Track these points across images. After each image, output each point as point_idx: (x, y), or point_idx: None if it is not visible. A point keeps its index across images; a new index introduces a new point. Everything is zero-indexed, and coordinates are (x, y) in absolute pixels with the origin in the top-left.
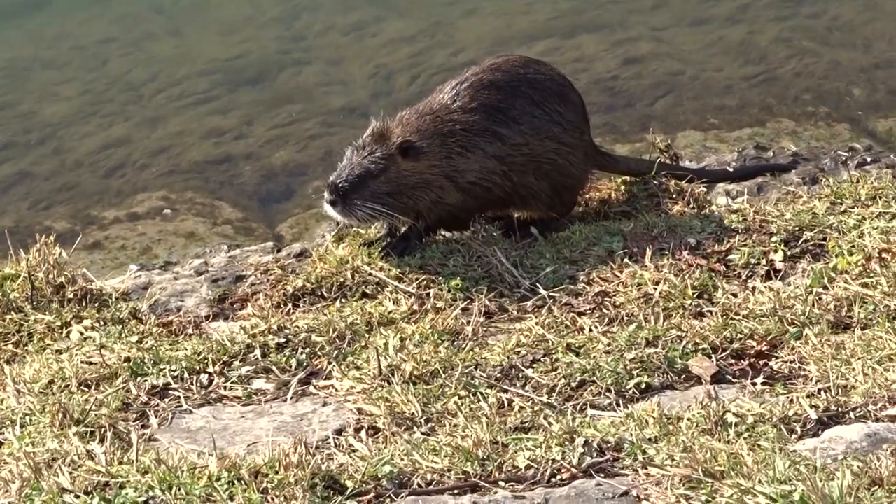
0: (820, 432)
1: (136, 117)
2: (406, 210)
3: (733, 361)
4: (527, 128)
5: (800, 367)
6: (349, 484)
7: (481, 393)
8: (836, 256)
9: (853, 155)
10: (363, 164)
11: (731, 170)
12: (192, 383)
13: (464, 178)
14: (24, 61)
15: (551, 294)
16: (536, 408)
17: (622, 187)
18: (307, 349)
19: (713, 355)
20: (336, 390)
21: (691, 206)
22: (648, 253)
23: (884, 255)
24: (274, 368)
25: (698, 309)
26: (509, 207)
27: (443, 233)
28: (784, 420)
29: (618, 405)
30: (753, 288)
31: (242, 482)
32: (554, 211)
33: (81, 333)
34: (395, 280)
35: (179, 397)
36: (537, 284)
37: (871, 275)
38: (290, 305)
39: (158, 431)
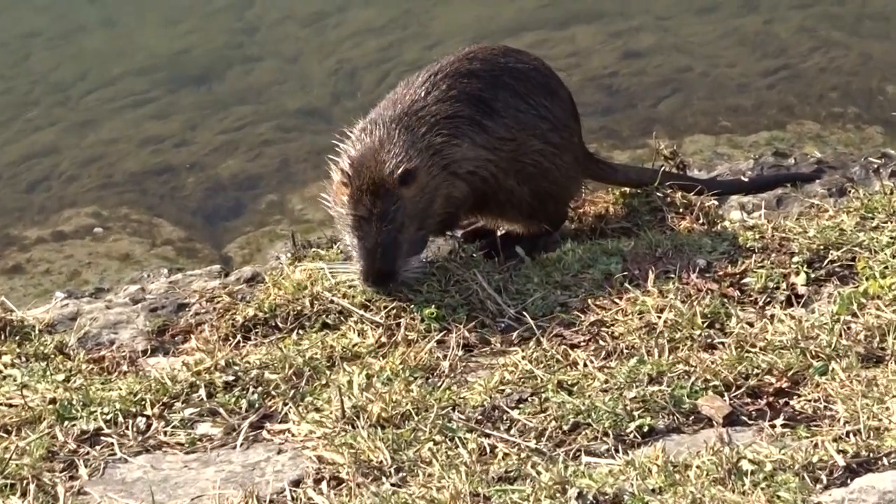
0: (849, 481)
1: (62, 122)
2: (440, 227)
3: (749, 400)
4: (511, 122)
5: (825, 407)
6: None
7: (460, 438)
8: (867, 279)
9: (886, 162)
10: (386, 233)
11: (745, 180)
12: (127, 428)
13: (461, 167)
14: None
15: (540, 324)
16: (523, 455)
17: (621, 200)
18: (259, 388)
19: (726, 393)
20: (293, 435)
21: (700, 221)
22: (651, 276)
23: None
24: (221, 410)
25: (709, 340)
26: (481, 214)
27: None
28: (807, 467)
29: (617, 451)
30: (772, 316)
31: None
32: (535, 223)
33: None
34: (360, 308)
35: (113, 444)
36: (524, 313)
37: None
38: (239, 338)
39: (89, 483)
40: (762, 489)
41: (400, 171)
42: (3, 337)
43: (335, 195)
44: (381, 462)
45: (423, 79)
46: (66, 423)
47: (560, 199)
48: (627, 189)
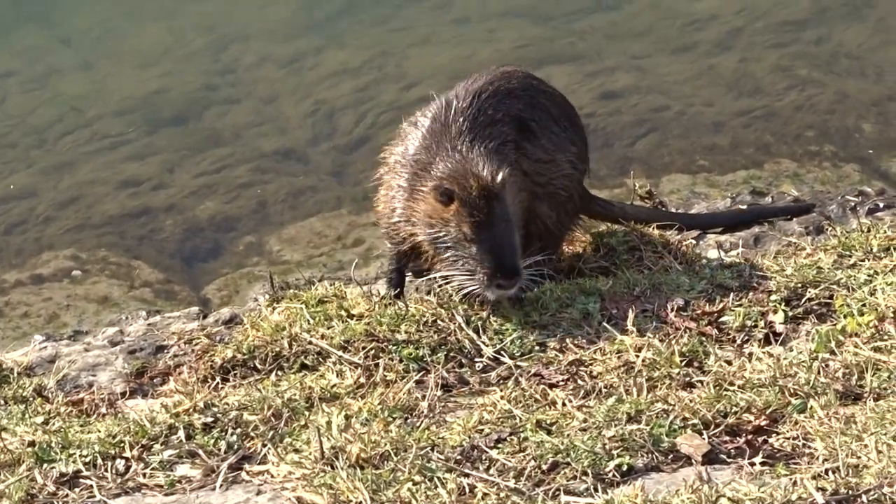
0: None
1: (40, 164)
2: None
3: (728, 438)
4: (547, 143)
5: (804, 445)
6: None
7: (439, 478)
8: (845, 317)
9: (863, 200)
10: (506, 231)
11: (742, 212)
12: (106, 470)
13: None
14: None
15: (518, 363)
16: (502, 494)
17: (598, 240)
18: (238, 429)
19: (705, 432)
20: (272, 476)
21: (678, 260)
22: (630, 315)
23: None
24: (200, 452)
25: (687, 379)
26: None
27: (392, 293)
28: None
29: (596, 490)
30: (750, 354)
31: None
32: (546, 252)
33: None
34: (338, 349)
35: (92, 486)
36: (502, 352)
37: (885, 337)
38: (218, 379)
39: None
40: None
41: (500, 174)
42: None
43: (431, 217)
44: (361, 502)
45: (467, 101)
46: (45, 465)
47: (568, 232)
48: (605, 227)
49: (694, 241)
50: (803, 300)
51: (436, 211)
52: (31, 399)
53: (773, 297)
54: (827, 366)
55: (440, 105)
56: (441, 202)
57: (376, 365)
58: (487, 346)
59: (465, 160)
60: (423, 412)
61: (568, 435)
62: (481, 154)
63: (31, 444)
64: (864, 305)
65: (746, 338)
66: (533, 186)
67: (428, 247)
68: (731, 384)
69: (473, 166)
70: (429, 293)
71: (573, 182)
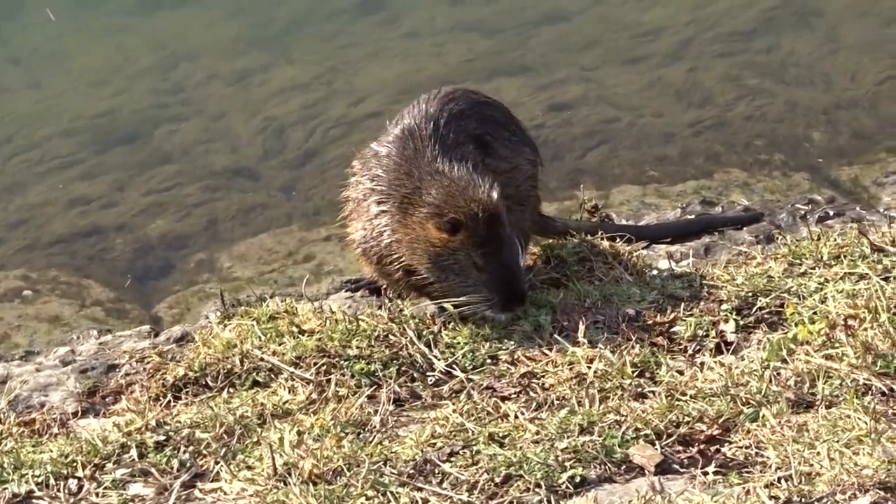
0: None
1: None
2: None
3: (680, 448)
4: (504, 151)
5: (757, 453)
6: None
7: (392, 492)
8: (796, 325)
9: (813, 208)
10: (513, 255)
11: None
12: (58, 490)
13: None
14: None
15: (470, 377)
16: None
17: (550, 251)
18: (191, 447)
19: (657, 442)
20: (225, 494)
21: (629, 271)
22: (581, 327)
23: (850, 321)
24: (153, 470)
25: (639, 389)
26: None
27: (344, 310)
28: None
29: (549, 502)
30: (702, 364)
31: None
32: None
33: None
34: (290, 365)
35: None
36: (454, 366)
37: (836, 345)
38: (170, 397)
39: None
40: None
41: (495, 193)
42: None
43: (435, 245)
44: None
45: (429, 128)
46: None
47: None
48: (553, 240)
49: (644, 252)
50: (754, 309)
51: (440, 239)
52: None
53: (724, 307)
54: (778, 374)
55: (403, 133)
56: (447, 231)
57: (328, 380)
58: (439, 359)
59: (456, 184)
60: (375, 427)
61: (521, 447)
62: (469, 175)
63: None
64: (815, 313)
65: (698, 347)
66: (504, 199)
67: (427, 272)
68: (683, 394)
69: (469, 190)
70: (380, 308)
71: (535, 180)
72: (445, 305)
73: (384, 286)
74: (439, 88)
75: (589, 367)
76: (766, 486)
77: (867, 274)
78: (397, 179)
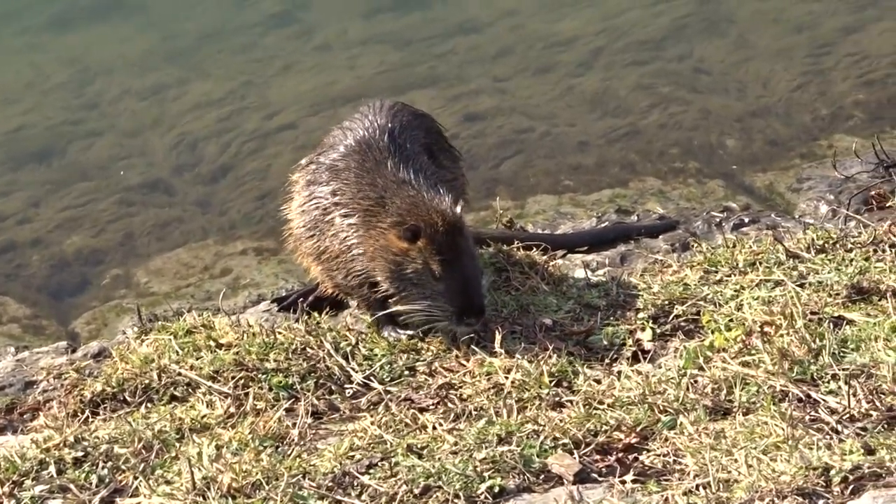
0: None
1: None
2: None
3: (599, 457)
4: (448, 161)
5: (675, 461)
6: None
7: None
8: (713, 332)
9: (728, 216)
10: (472, 268)
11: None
12: None
13: None
14: None
15: (388, 389)
16: None
17: None
18: (109, 463)
19: (575, 451)
20: None
21: (545, 281)
22: (498, 337)
23: (766, 328)
24: (72, 486)
25: (557, 399)
26: None
27: (261, 323)
28: None
29: None
30: (619, 372)
31: None
32: None
33: None
34: (208, 379)
35: None
36: (372, 378)
37: (753, 352)
38: (88, 413)
39: None
40: None
41: (458, 206)
42: None
43: (395, 254)
44: None
45: (384, 139)
46: None
47: None
48: None
49: (561, 262)
50: (671, 317)
51: (400, 248)
52: None
53: (641, 315)
54: (696, 382)
55: (359, 145)
56: (407, 239)
57: (246, 394)
58: (357, 372)
59: (421, 193)
60: (293, 440)
61: (439, 458)
62: (432, 186)
63: None
64: (731, 320)
65: (615, 356)
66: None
67: (387, 283)
68: (601, 403)
69: (432, 200)
70: (297, 321)
71: (465, 191)
72: (404, 316)
73: (329, 299)
74: (380, 101)
75: (506, 378)
76: (685, 494)
77: (783, 280)
78: (361, 191)
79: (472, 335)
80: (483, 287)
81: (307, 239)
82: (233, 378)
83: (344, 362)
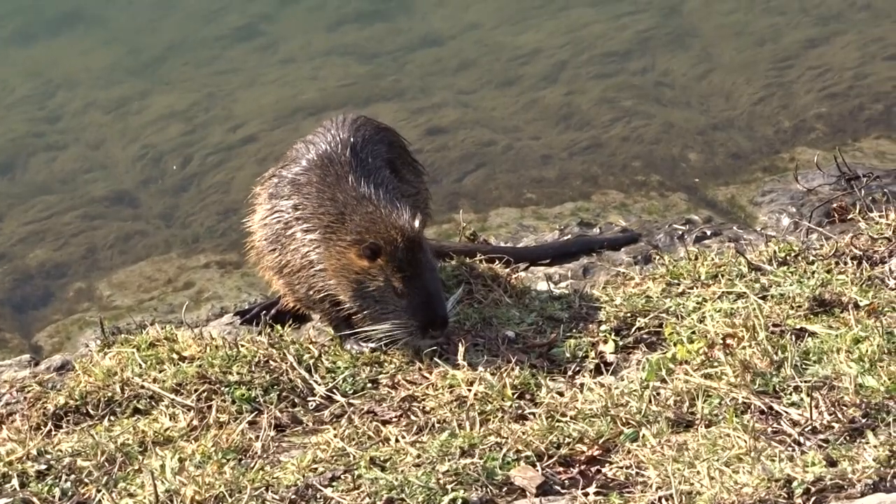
0: None
1: None
2: None
3: (561, 469)
4: (410, 175)
5: (637, 473)
6: None
7: None
8: (675, 345)
9: (691, 229)
10: (433, 280)
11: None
12: None
13: None
14: None
15: (351, 401)
16: None
17: None
18: (72, 476)
19: (538, 463)
20: None
21: (508, 293)
22: (461, 349)
23: (728, 340)
24: (35, 500)
25: (519, 411)
26: None
27: (224, 336)
28: None
29: None
30: (582, 385)
31: None
32: None
33: None
34: (171, 392)
35: None
36: (334, 391)
37: (715, 364)
38: (51, 426)
39: None
40: None
41: (417, 221)
42: None
43: (357, 272)
44: None
45: (346, 153)
46: None
47: None
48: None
49: (523, 275)
50: (633, 329)
51: (361, 267)
52: None
53: (603, 328)
54: (658, 394)
55: (321, 159)
56: (367, 258)
57: (209, 407)
58: (320, 384)
59: (379, 210)
60: (256, 453)
61: (402, 471)
62: (391, 202)
63: None
64: (693, 333)
65: (577, 368)
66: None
67: (350, 301)
68: (564, 415)
69: (390, 216)
70: (259, 333)
71: (428, 205)
72: (368, 333)
73: (291, 312)
74: (343, 115)
75: (469, 390)
76: None
77: (745, 293)
78: (321, 206)
79: (434, 347)
80: (452, 300)
81: (269, 252)
82: (196, 391)
83: (307, 375)
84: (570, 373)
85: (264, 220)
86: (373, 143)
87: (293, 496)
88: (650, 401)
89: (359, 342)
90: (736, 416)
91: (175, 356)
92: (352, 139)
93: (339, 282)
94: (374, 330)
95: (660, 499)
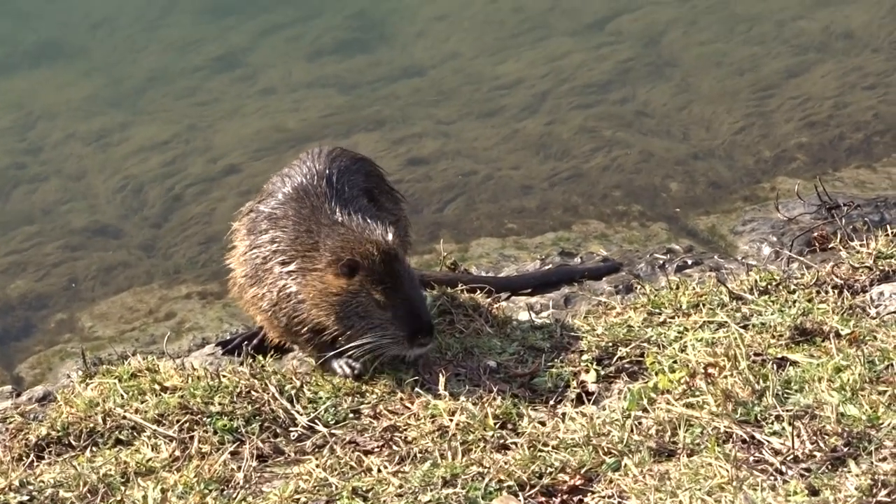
0: None
1: None
2: None
3: (543, 499)
4: (389, 204)
5: (619, 503)
6: None
7: None
8: (656, 374)
9: (671, 258)
10: (415, 289)
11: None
12: None
13: None
14: None
15: (333, 431)
16: None
17: None
18: None
19: (520, 493)
20: None
21: (489, 323)
22: (442, 379)
23: (710, 370)
24: None
25: (501, 441)
26: None
27: (206, 367)
28: None
29: None
30: (563, 414)
31: None
32: None
33: None
34: (153, 423)
35: None
36: (316, 421)
37: (697, 393)
38: (33, 457)
39: None
40: None
41: (391, 233)
42: None
43: (336, 293)
44: None
45: (323, 184)
46: None
47: None
48: None
49: (505, 304)
50: (615, 359)
51: (340, 286)
52: None
53: (585, 357)
54: (640, 423)
55: (297, 192)
56: (345, 275)
57: (191, 437)
58: (302, 414)
59: (353, 230)
60: (239, 483)
61: (384, 501)
62: (365, 221)
63: None
64: (674, 362)
65: (559, 398)
66: None
67: (334, 324)
68: (546, 445)
69: (365, 233)
70: (241, 364)
71: (408, 233)
72: (353, 351)
73: (271, 342)
74: (319, 148)
75: (451, 420)
76: None
77: (726, 322)
78: (298, 238)
79: (416, 378)
80: (426, 308)
81: (249, 287)
82: (178, 421)
83: (289, 405)
84: (551, 402)
85: (244, 255)
86: (349, 173)
87: None
88: (632, 430)
89: (349, 361)
90: (718, 445)
91: (157, 387)
92: (327, 170)
93: (321, 309)
94: (361, 345)
95: None
